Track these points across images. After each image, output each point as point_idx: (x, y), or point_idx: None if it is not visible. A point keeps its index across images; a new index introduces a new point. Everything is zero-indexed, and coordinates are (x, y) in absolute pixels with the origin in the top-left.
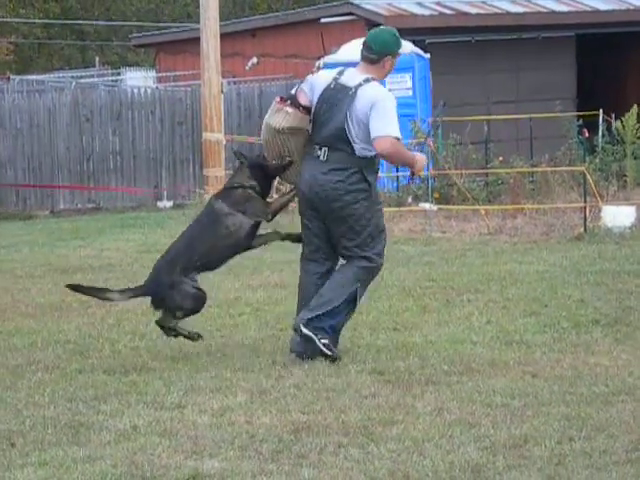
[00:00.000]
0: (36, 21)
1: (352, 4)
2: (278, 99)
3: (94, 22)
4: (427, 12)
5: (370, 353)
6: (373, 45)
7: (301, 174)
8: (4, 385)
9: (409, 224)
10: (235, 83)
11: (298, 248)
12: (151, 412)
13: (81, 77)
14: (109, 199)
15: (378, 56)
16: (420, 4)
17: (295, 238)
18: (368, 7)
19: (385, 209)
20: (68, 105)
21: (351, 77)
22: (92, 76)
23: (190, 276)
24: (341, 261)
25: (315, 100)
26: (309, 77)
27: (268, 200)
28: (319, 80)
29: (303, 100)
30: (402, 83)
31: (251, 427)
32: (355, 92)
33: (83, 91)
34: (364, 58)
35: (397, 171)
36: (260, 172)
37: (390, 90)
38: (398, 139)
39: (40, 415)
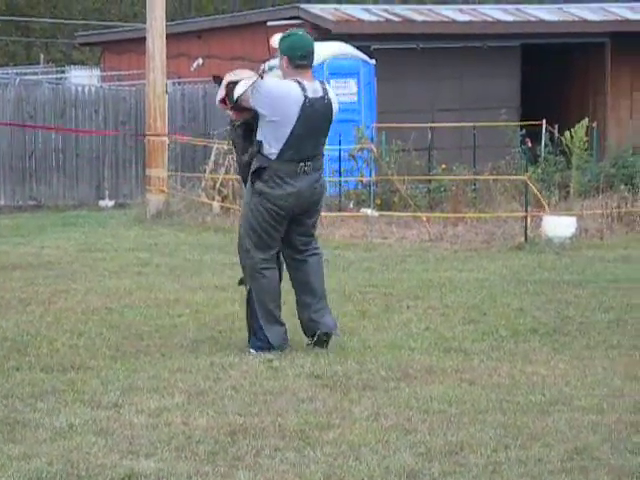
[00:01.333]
0: None
1: (300, 8)
2: (219, 97)
3: (40, 19)
4: (374, 18)
5: (308, 357)
6: (312, 52)
7: (287, 190)
8: None
9: (350, 229)
10: (180, 84)
11: (235, 251)
12: (88, 411)
13: (25, 74)
14: (50, 197)
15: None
16: (367, 10)
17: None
18: (315, 12)
19: (326, 214)
20: (12, 101)
21: (312, 87)
22: (37, 73)
23: None
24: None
25: (292, 118)
26: (265, 86)
27: None
28: (287, 99)
29: (246, 105)
30: (347, 88)
31: (188, 428)
32: (329, 99)
33: (27, 88)
34: (306, 66)
35: (340, 176)
36: None
37: (335, 95)
38: None
39: None
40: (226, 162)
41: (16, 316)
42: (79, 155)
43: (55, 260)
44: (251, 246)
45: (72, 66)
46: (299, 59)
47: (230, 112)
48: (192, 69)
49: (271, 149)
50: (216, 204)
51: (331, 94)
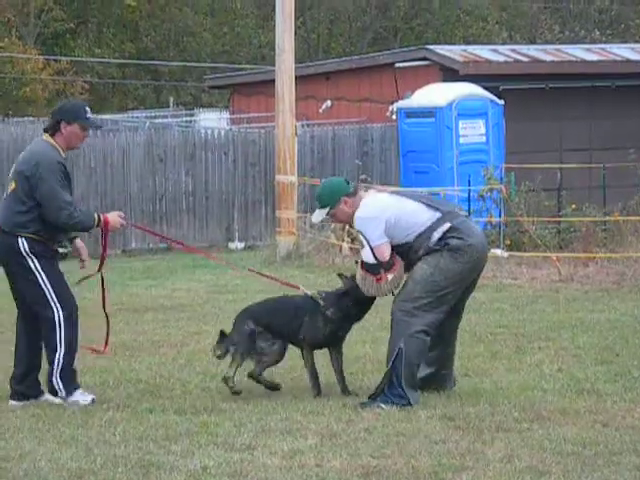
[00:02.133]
0: (111, 61)
1: (428, 49)
2: (366, 274)
3: (169, 63)
4: (502, 58)
5: (441, 399)
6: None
7: (477, 239)
8: (75, 423)
9: None
10: (309, 126)
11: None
12: (221, 453)
13: (155, 117)
14: (180, 239)
15: None
16: (495, 50)
17: None
18: (443, 52)
19: None
20: (142, 145)
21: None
22: (166, 116)
23: None
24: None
25: (409, 208)
26: (379, 223)
27: None
28: (394, 206)
29: (388, 251)
30: (476, 129)
31: (321, 470)
32: None
33: (157, 131)
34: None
35: (469, 216)
36: None
37: (463, 136)
38: None
39: (111, 454)
40: None
41: (149, 358)
42: (209, 197)
43: (186, 302)
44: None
45: (201, 109)
46: (345, 192)
47: (390, 275)
48: (321, 111)
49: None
50: (345, 245)
51: None
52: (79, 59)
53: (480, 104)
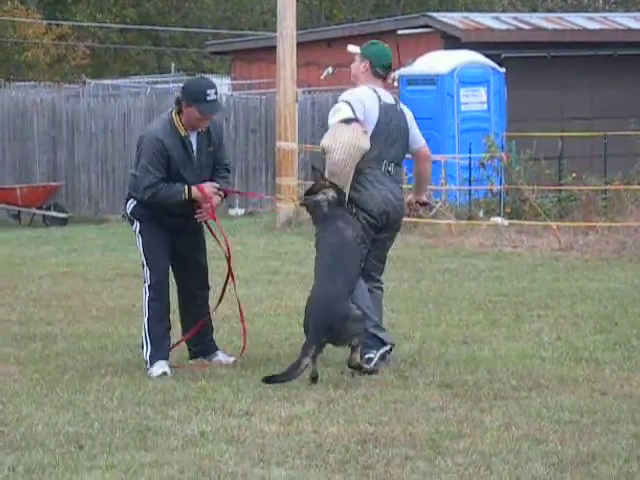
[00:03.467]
0: (112, 26)
1: (429, 17)
2: (357, 123)
3: (170, 28)
4: (504, 26)
5: (439, 366)
6: (391, 67)
7: (376, 192)
8: (73, 388)
9: (480, 238)
10: (310, 92)
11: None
12: (219, 419)
13: (156, 83)
14: None
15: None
16: (497, 18)
17: None
18: (445, 20)
19: (456, 222)
20: (143, 110)
21: (385, 95)
22: (167, 82)
23: None
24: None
25: (375, 118)
26: (353, 97)
27: None
28: (368, 99)
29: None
30: (477, 97)
31: (318, 437)
32: (401, 110)
33: (158, 96)
34: (382, 77)
35: (470, 184)
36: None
37: (465, 104)
38: None
39: (108, 418)
40: None
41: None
42: None
43: None
44: None
45: (202, 75)
46: (381, 68)
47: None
48: (322, 78)
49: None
50: None
51: (404, 108)
52: (81, 24)
53: (481, 72)
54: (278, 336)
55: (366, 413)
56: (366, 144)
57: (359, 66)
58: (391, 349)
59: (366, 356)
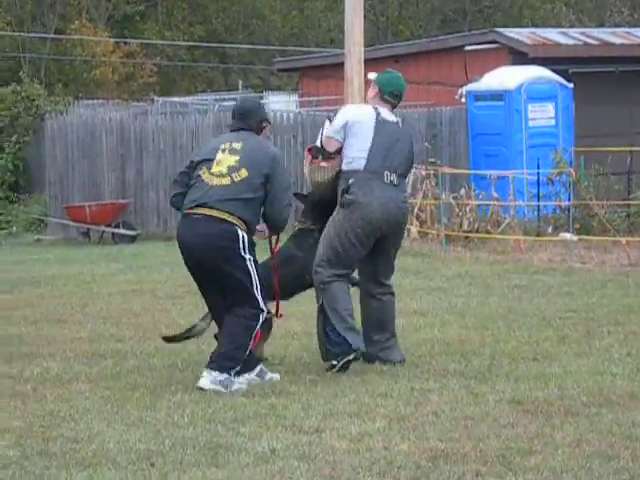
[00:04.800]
0: (180, 43)
1: (497, 32)
2: (309, 157)
3: (238, 45)
4: (571, 42)
5: (509, 382)
6: (402, 96)
7: (372, 198)
8: (144, 405)
9: (549, 254)
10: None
11: (434, 275)
12: (289, 436)
13: (224, 100)
14: None
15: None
16: (564, 33)
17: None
18: (512, 35)
19: (525, 238)
20: (211, 127)
21: (387, 114)
22: (235, 99)
23: None
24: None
25: (370, 132)
26: (337, 120)
27: None
28: (362, 116)
29: (333, 147)
30: (545, 112)
31: (389, 453)
32: (404, 129)
33: (226, 114)
34: (390, 102)
35: (538, 200)
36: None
37: (532, 119)
38: None
39: (179, 436)
40: (424, 187)
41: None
42: None
43: None
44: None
45: (270, 92)
46: (389, 94)
47: (324, 164)
48: None
49: (355, 163)
50: (414, 229)
51: (405, 127)
52: (149, 41)
53: (549, 87)
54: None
55: (436, 429)
56: (318, 177)
57: (371, 91)
58: (356, 357)
59: (329, 363)
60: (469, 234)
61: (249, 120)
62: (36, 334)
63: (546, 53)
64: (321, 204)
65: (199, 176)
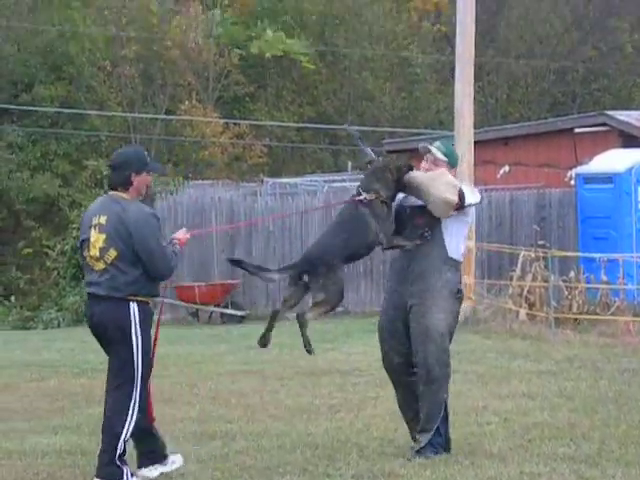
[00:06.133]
0: (290, 124)
1: (607, 115)
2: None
3: (347, 127)
4: None
5: (619, 467)
6: None
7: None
8: None
9: None
10: (486, 191)
11: (543, 359)
12: None
13: (333, 181)
14: (357, 303)
15: None
16: None
17: None
18: (622, 118)
19: (634, 320)
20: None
21: None
22: (344, 180)
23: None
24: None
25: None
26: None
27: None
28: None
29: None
30: None
31: None
32: None
33: (335, 195)
34: None
35: None
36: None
37: None
38: None
39: None
40: (533, 269)
41: (326, 423)
42: (385, 261)
43: (363, 367)
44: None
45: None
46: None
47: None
48: (499, 176)
49: (459, 251)
50: (523, 311)
51: None
52: (258, 123)
53: None
54: (456, 436)
55: None
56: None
57: (441, 164)
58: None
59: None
60: (578, 316)
61: (118, 177)
62: None
63: None
64: (384, 175)
65: (84, 258)
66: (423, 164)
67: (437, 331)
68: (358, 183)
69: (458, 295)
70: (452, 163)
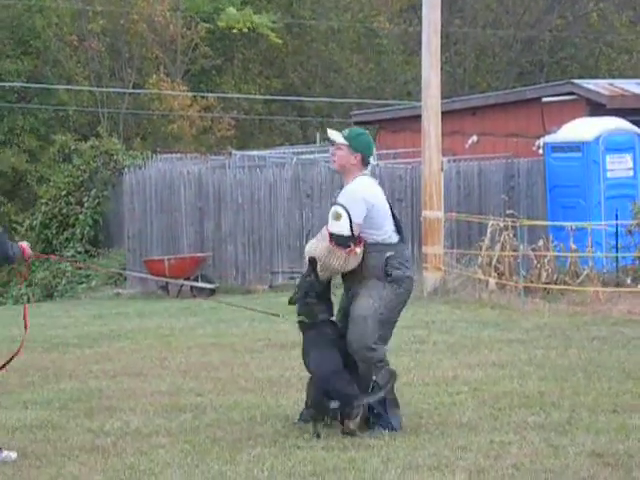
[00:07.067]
0: (257, 97)
1: (574, 84)
2: (339, 248)
3: (315, 99)
4: None
5: (589, 435)
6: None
7: (412, 271)
8: (223, 459)
9: (628, 305)
10: (454, 161)
11: (512, 327)
12: None
13: (302, 153)
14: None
15: None
16: None
17: None
18: (590, 87)
19: (603, 289)
20: (289, 181)
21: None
22: (313, 152)
23: None
24: None
25: (384, 200)
26: (354, 199)
27: None
28: (380, 198)
29: (358, 231)
30: (623, 164)
31: None
32: None
33: (304, 167)
34: (369, 164)
35: (617, 251)
36: None
37: (610, 170)
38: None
39: None
40: (502, 239)
41: (296, 395)
42: None
43: None
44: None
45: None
46: (370, 158)
47: (358, 249)
48: (467, 146)
49: (392, 237)
50: (492, 280)
51: None
52: (226, 95)
53: (627, 138)
54: (427, 406)
55: None
56: (351, 266)
57: (352, 158)
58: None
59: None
60: (547, 286)
61: None
62: (116, 388)
63: (624, 104)
64: (326, 287)
65: None
66: (330, 149)
67: (360, 315)
68: (328, 155)
69: (389, 279)
70: (354, 147)
